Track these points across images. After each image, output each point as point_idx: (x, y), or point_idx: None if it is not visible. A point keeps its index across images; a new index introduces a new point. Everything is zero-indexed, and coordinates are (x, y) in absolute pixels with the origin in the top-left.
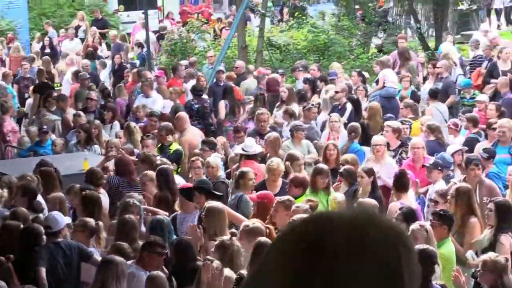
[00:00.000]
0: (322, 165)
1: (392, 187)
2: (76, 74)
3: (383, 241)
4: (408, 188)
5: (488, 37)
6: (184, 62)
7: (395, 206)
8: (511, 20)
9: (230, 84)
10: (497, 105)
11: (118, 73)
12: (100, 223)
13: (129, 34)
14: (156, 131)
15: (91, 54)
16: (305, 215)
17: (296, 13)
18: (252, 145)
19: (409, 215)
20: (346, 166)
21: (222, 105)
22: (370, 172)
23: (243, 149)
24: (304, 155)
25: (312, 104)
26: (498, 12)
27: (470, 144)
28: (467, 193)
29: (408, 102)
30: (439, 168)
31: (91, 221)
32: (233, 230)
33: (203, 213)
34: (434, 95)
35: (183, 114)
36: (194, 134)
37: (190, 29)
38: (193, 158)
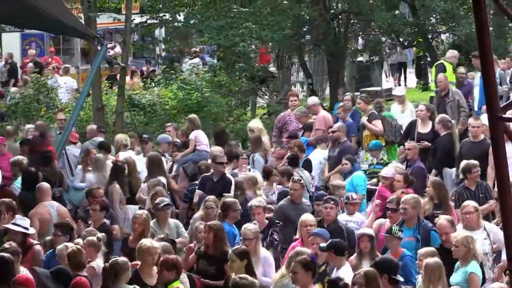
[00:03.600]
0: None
1: None
2: None
3: None
4: None
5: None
6: (28, 127)
7: None
8: (421, 76)
9: None
10: (405, 175)
11: None
12: None
13: None
14: None
15: None
16: None
17: (164, 67)
18: None
19: None
20: None
21: None
22: None
23: None
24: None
25: None
26: (398, 67)
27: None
28: (375, 279)
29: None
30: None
31: None
32: None
33: None
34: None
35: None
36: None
37: (35, 86)
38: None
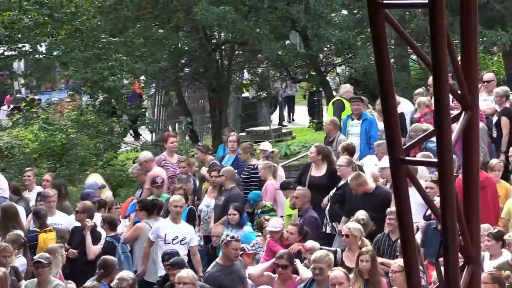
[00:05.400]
0: None
1: None
2: None
3: None
4: None
5: None
6: None
7: None
8: (314, 114)
9: None
10: (300, 227)
11: None
12: None
13: None
14: None
15: None
16: None
17: (24, 104)
18: None
19: None
20: None
21: None
22: None
23: None
24: None
25: None
26: (286, 101)
27: None
28: None
29: None
30: None
31: None
32: None
33: None
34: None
35: None
36: None
37: None
38: None
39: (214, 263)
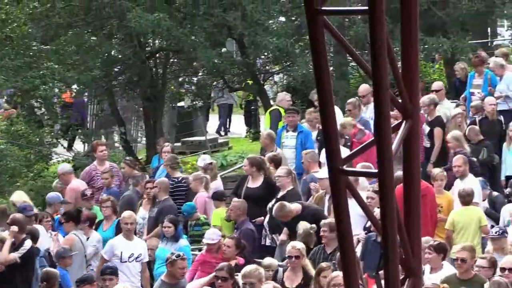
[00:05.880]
0: None
1: None
2: None
3: None
4: None
5: None
6: None
7: None
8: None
9: None
10: (237, 240)
11: None
12: None
13: None
14: None
15: None
16: None
17: None
18: None
19: None
20: None
21: None
22: None
23: None
24: None
25: None
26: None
27: None
28: None
29: None
30: None
31: None
32: None
33: None
34: None
35: None
36: None
37: None
38: None
39: (159, 280)
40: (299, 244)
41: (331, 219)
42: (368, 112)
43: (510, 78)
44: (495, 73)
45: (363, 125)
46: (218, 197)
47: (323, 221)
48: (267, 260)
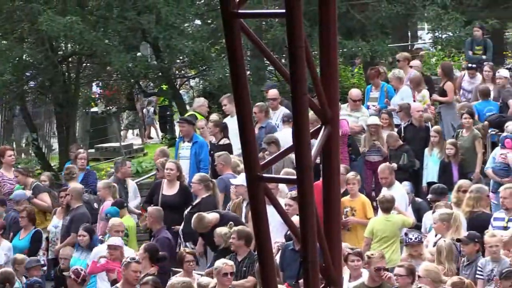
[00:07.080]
0: None
1: None
2: None
3: None
4: None
5: None
6: None
7: None
8: (166, 129)
9: None
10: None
11: None
12: None
13: None
14: None
15: None
16: None
17: None
18: None
19: None
20: None
21: None
22: None
23: None
24: None
25: None
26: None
27: None
28: None
29: None
30: None
31: None
32: None
33: None
34: None
35: None
36: None
37: None
38: None
39: None
40: (229, 262)
41: (240, 227)
42: (274, 118)
43: (405, 92)
44: (392, 84)
45: (268, 132)
46: (120, 205)
47: (233, 229)
48: (205, 279)
